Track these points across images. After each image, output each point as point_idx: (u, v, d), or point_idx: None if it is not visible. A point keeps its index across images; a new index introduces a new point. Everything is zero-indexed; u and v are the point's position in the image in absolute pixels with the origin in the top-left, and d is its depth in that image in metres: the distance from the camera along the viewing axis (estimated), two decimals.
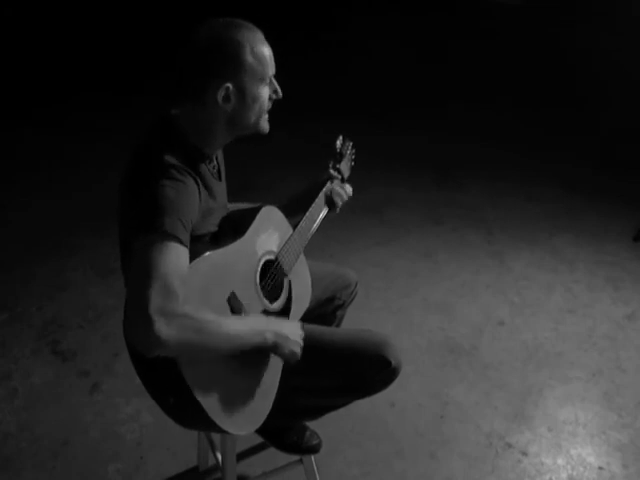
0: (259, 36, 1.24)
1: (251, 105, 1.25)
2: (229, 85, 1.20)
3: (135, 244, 1.07)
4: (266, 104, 1.29)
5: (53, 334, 2.42)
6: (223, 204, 1.37)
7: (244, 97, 1.23)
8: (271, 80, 1.28)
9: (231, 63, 1.20)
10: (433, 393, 2.19)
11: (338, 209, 1.62)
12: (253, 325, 1.19)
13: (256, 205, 1.42)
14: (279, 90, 1.31)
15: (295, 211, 1.53)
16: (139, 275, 1.04)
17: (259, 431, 1.67)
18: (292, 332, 1.28)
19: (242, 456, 1.88)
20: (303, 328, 1.34)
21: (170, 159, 1.16)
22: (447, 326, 2.54)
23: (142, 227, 1.08)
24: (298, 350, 1.29)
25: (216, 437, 1.75)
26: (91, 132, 4.35)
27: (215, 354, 1.14)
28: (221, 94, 1.21)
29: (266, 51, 1.24)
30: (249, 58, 1.21)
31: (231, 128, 1.28)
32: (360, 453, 1.94)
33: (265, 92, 1.27)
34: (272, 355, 1.32)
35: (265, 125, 1.32)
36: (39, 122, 4.52)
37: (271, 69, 1.26)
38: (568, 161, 4.10)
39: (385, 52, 6.11)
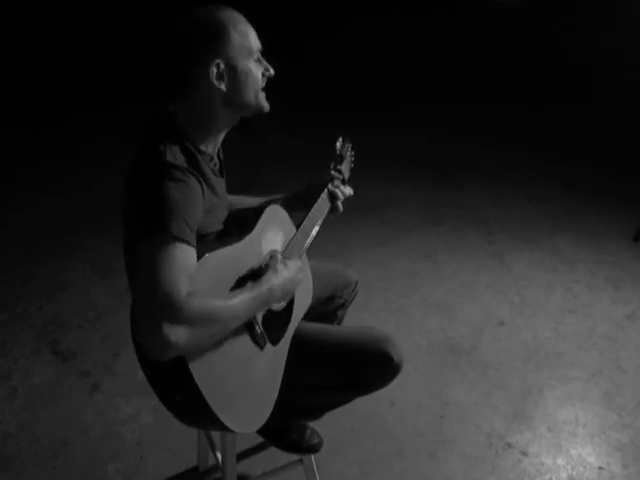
0: (239, 16, 1.26)
1: (244, 81, 1.25)
2: (219, 61, 1.21)
3: (141, 248, 1.07)
4: (260, 81, 1.29)
5: (53, 334, 2.42)
6: (224, 200, 1.37)
7: (236, 73, 1.23)
8: (259, 57, 1.29)
9: (217, 40, 1.20)
10: (433, 393, 2.19)
11: (341, 208, 1.63)
12: (259, 295, 1.19)
13: (261, 203, 1.42)
14: (270, 67, 1.31)
15: (293, 210, 1.53)
16: (146, 281, 1.04)
17: (259, 430, 1.68)
18: (293, 282, 1.31)
19: (242, 456, 1.88)
20: (300, 262, 1.40)
21: (171, 159, 1.16)
22: (447, 326, 2.54)
23: (148, 230, 1.08)
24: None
25: (216, 437, 1.75)
26: (91, 132, 4.35)
27: (227, 332, 1.16)
28: (213, 72, 1.21)
29: (248, 28, 1.25)
30: (233, 34, 1.21)
31: (230, 109, 1.27)
32: (360, 453, 1.94)
33: (256, 67, 1.27)
34: (274, 354, 1.33)
35: (264, 103, 1.32)
36: (39, 122, 4.52)
37: (256, 44, 1.27)
38: (568, 161, 4.10)
39: (385, 52, 6.12)
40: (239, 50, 1.22)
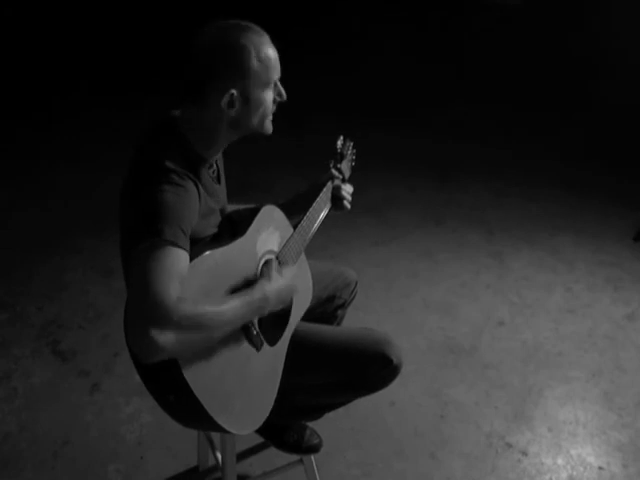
0: (265, 39, 1.22)
1: (255, 110, 1.24)
2: (234, 92, 1.19)
3: (135, 250, 1.07)
4: (270, 107, 1.28)
5: (53, 334, 2.42)
6: (223, 206, 1.37)
7: (248, 102, 1.22)
8: (276, 83, 1.27)
9: (236, 69, 1.18)
10: (433, 393, 2.19)
11: (348, 206, 1.62)
12: (252, 302, 1.18)
13: (256, 205, 1.41)
14: (283, 93, 1.29)
15: (296, 211, 1.53)
16: (137, 283, 1.04)
17: (259, 430, 1.68)
18: (288, 290, 1.30)
19: (242, 456, 1.88)
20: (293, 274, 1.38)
21: (170, 164, 1.15)
22: (447, 326, 2.53)
23: (142, 233, 1.08)
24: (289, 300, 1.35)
25: (216, 437, 1.75)
26: (91, 132, 4.35)
27: (217, 338, 1.15)
28: (225, 100, 1.19)
29: (272, 54, 1.23)
30: (254, 63, 1.19)
31: (233, 130, 1.27)
32: (360, 453, 1.94)
33: (269, 96, 1.26)
34: (272, 354, 1.33)
35: (269, 127, 1.31)
36: (39, 122, 4.52)
37: (276, 73, 1.25)
38: (568, 161, 4.10)
39: (385, 52, 6.12)
40: (256, 81, 1.21)
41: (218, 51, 1.18)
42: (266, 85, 1.23)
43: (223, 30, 1.20)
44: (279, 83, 1.28)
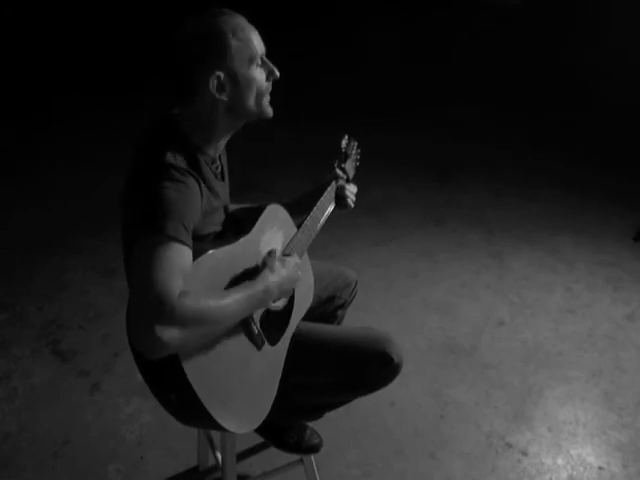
0: (239, 19, 1.23)
1: (247, 89, 1.24)
2: (220, 74, 1.19)
3: (137, 247, 1.07)
4: (264, 86, 1.27)
5: (53, 334, 2.42)
6: (225, 204, 1.37)
7: (237, 82, 1.22)
8: (263, 60, 1.26)
9: (216, 52, 1.19)
10: (433, 393, 2.19)
11: (351, 205, 1.62)
12: (254, 295, 1.18)
13: (260, 204, 1.41)
14: (275, 70, 1.28)
15: (300, 210, 1.52)
16: (139, 280, 1.04)
17: (259, 431, 1.68)
18: (291, 281, 1.30)
19: (242, 456, 1.88)
20: (298, 258, 1.39)
21: (171, 160, 1.16)
22: (447, 326, 2.53)
23: (144, 230, 1.08)
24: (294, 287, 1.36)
25: (216, 437, 1.75)
26: (91, 132, 4.35)
27: (221, 331, 1.16)
28: (213, 84, 1.20)
29: (249, 31, 1.23)
30: (233, 42, 1.19)
31: (232, 117, 1.26)
32: (360, 453, 1.94)
33: (258, 73, 1.25)
34: (273, 354, 1.33)
35: (268, 109, 1.30)
36: (39, 122, 4.52)
37: (259, 48, 1.24)
38: (568, 161, 4.10)
39: (385, 52, 6.12)
40: (240, 59, 1.21)
41: (196, 41, 1.20)
42: (251, 61, 1.23)
43: (197, 21, 1.22)
44: (267, 60, 1.27)
